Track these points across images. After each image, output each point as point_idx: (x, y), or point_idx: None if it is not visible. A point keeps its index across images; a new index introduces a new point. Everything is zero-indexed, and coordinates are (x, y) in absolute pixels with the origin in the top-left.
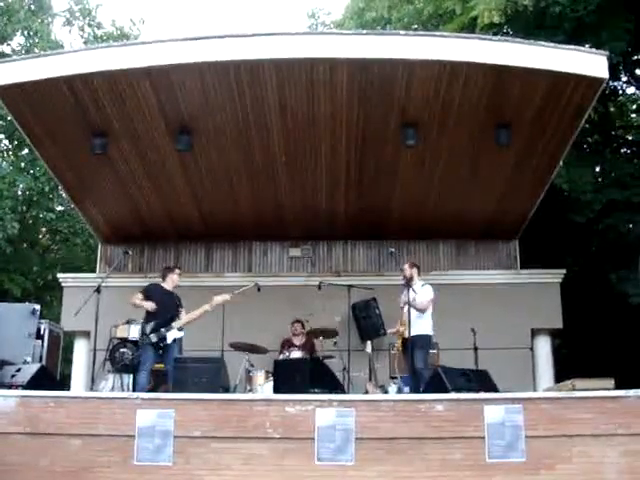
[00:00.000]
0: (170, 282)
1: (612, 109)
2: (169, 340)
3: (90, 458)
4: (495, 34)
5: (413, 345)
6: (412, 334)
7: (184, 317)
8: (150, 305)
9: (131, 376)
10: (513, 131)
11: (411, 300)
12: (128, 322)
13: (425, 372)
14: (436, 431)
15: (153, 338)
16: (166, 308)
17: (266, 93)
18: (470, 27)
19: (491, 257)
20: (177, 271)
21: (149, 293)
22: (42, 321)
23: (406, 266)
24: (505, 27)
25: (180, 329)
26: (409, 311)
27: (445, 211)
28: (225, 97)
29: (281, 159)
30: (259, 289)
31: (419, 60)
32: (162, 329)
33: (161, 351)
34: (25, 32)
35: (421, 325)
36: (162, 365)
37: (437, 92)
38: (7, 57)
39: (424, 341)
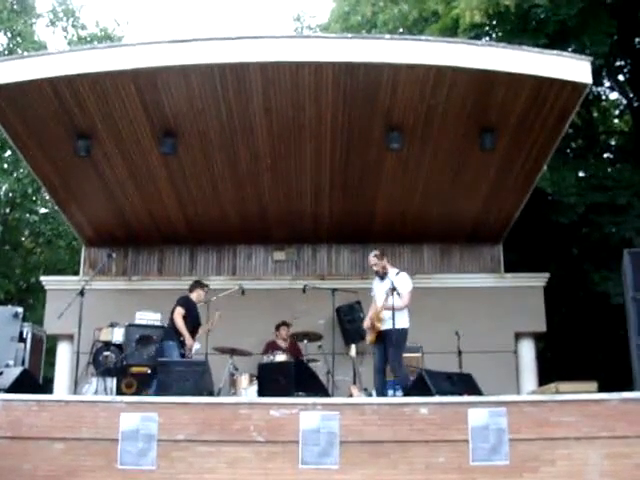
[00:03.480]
0: (196, 296)
1: (595, 114)
2: (193, 351)
3: (73, 462)
4: (479, 36)
5: (388, 340)
6: (388, 327)
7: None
8: (191, 345)
9: (114, 379)
10: (497, 135)
11: (394, 295)
12: (112, 325)
13: (401, 371)
14: (420, 434)
15: (183, 351)
16: (192, 321)
17: (251, 96)
18: (454, 29)
19: (475, 261)
20: (205, 289)
21: (187, 306)
22: (25, 324)
23: (374, 260)
24: (489, 30)
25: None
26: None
27: (429, 215)
28: (210, 100)
29: (266, 162)
30: (243, 292)
31: (404, 64)
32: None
33: None
34: (8, 33)
35: (399, 318)
36: (144, 368)
37: (422, 96)
38: None
39: (402, 336)
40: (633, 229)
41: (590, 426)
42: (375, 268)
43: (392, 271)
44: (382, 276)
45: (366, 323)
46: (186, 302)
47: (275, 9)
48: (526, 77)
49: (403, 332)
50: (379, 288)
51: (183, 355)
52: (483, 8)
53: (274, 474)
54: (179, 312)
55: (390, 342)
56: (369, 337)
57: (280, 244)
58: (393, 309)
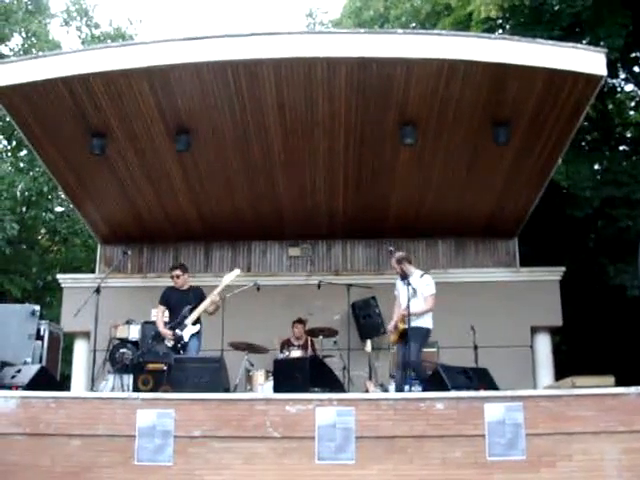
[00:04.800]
0: (174, 282)
1: (610, 106)
2: (186, 338)
3: (90, 458)
4: (492, 29)
5: (409, 337)
6: (411, 325)
7: (194, 312)
8: (166, 335)
9: (131, 376)
10: (511, 129)
11: (413, 297)
12: (128, 322)
13: (419, 368)
14: (436, 429)
15: (169, 343)
16: (178, 309)
17: (264, 93)
18: (467, 22)
19: (490, 255)
20: (174, 272)
21: (165, 300)
22: (42, 322)
23: (393, 263)
24: (502, 22)
25: (195, 323)
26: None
27: (444, 209)
28: (223, 97)
29: (280, 158)
30: (258, 288)
31: (417, 58)
32: (176, 330)
33: (182, 350)
34: (23, 33)
35: (422, 318)
36: (161, 365)
37: (435, 90)
38: (5, 58)
39: (422, 334)
40: None
41: (607, 420)
42: (395, 269)
43: (416, 273)
44: (403, 277)
45: (391, 326)
46: (162, 296)
47: (287, 6)
48: (540, 70)
49: (425, 331)
50: (402, 288)
51: (173, 348)
52: (498, 2)
53: (290, 470)
54: (157, 310)
55: (411, 338)
56: (392, 337)
57: (295, 240)
58: (410, 314)
